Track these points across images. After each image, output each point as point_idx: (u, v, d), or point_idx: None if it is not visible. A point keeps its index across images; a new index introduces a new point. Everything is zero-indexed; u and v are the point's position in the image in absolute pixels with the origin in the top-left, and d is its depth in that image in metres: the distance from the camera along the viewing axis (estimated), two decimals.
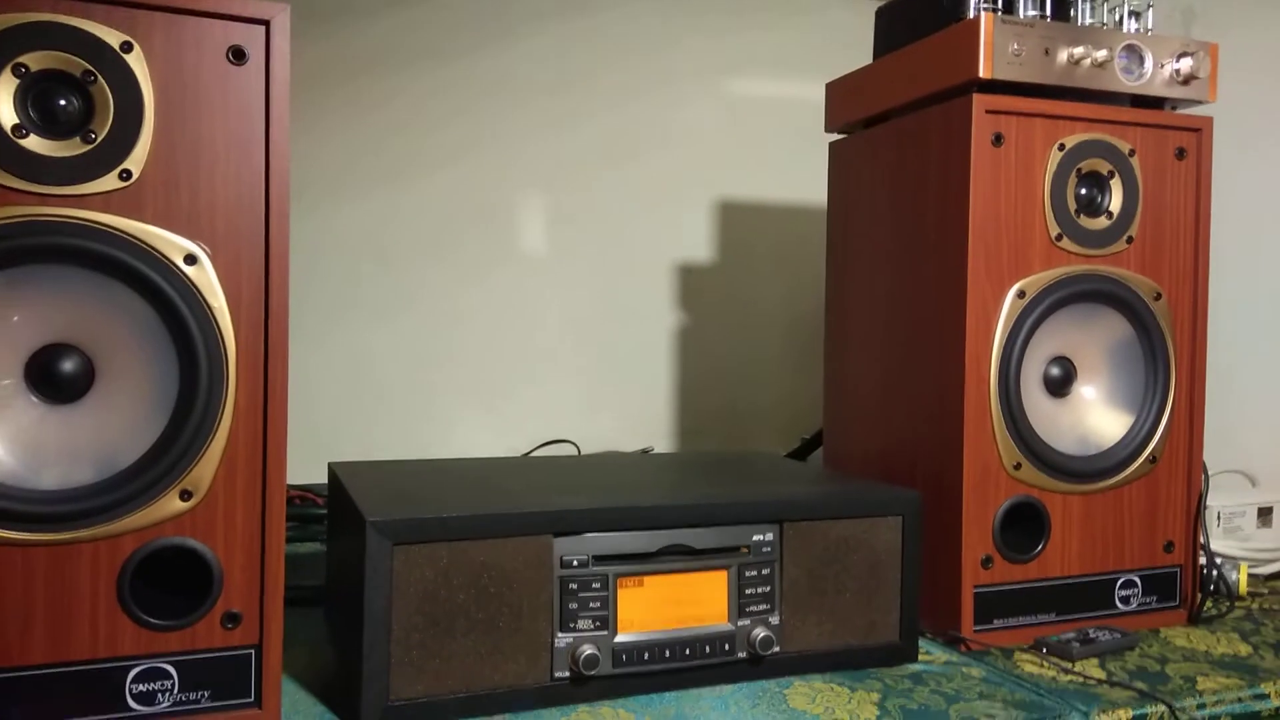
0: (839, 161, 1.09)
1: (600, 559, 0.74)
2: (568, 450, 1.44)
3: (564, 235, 1.48)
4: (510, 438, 1.45)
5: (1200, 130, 0.94)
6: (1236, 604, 1.01)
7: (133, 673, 0.64)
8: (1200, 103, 0.94)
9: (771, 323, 1.59)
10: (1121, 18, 0.92)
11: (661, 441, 1.53)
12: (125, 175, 0.63)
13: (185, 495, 0.64)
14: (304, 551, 1.13)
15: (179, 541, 0.64)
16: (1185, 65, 0.91)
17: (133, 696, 0.64)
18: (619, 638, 0.74)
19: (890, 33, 1.02)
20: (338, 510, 0.83)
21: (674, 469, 0.98)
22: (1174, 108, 0.95)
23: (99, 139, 0.62)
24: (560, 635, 0.72)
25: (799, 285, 1.57)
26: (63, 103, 0.62)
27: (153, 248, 0.63)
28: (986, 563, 0.88)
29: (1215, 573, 0.99)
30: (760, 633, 0.77)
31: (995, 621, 0.88)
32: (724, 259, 1.57)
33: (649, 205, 1.52)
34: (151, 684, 0.64)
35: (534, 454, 1.42)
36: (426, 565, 0.68)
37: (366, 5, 1.38)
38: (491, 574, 0.70)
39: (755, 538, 0.78)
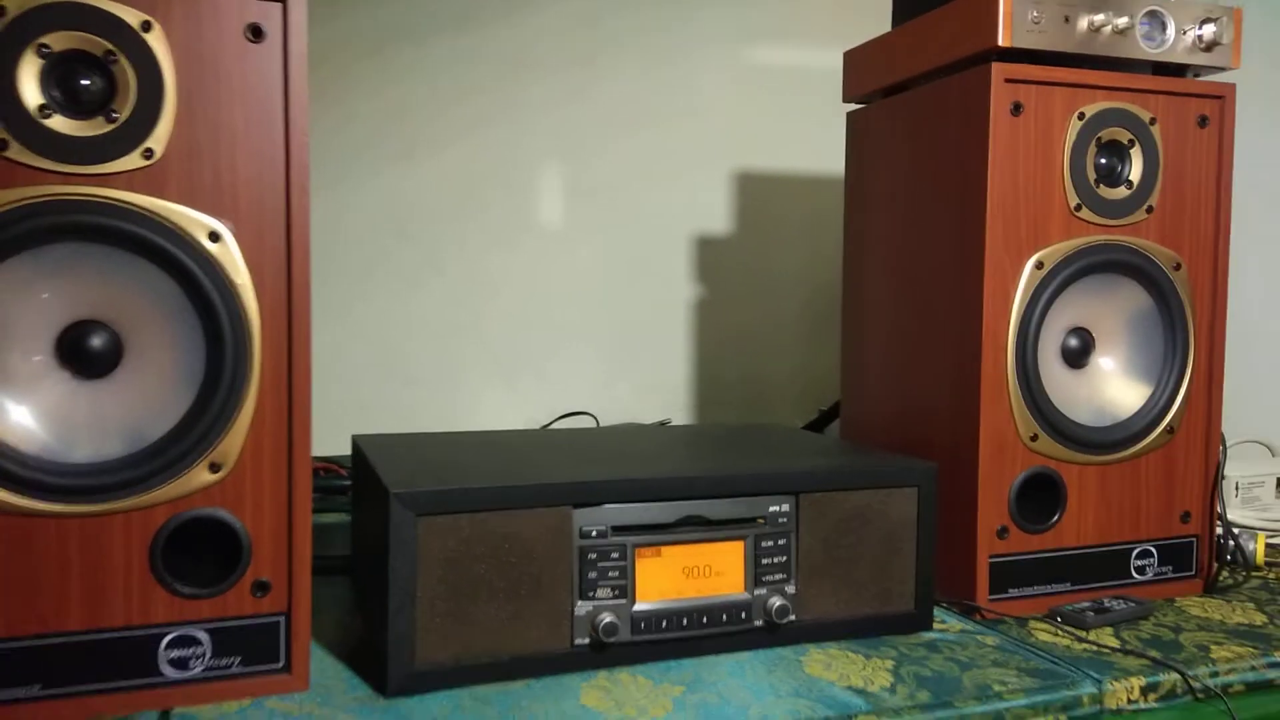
0: (856, 131, 1.08)
1: (619, 529, 0.75)
2: (587, 422, 1.46)
3: (582, 207, 1.49)
4: (530, 409, 1.46)
5: (1223, 97, 0.93)
6: (1253, 574, 1.01)
7: (166, 639, 0.66)
8: (1223, 69, 0.92)
9: (790, 294, 1.59)
10: None
11: (680, 413, 1.54)
12: (148, 154, 0.64)
13: (214, 467, 0.66)
14: (328, 522, 1.15)
15: (209, 512, 0.66)
16: (1208, 31, 0.90)
17: (166, 662, 0.66)
18: (637, 606, 0.75)
19: (909, 0, 1.01)
20: (362, 482, 0.85)
21: (691, 441, 0.99)
22: (1196, 75, 0.94)
23: (122, 118, 0.63)
24: (580, 604, 0.73)
25: (818, 256, 1.57)
26: (85, 82, 0.63)
27: (177, 225, 0.64)
28: (1002, 533, 0.88)
29: (1232, 543, 0.99)
30: (776, 601, 0.78)
31: (1010, 591, 0.89)
32: (742, 230, 1.57)
33: (667, 176, 1.52)
34: (184, 650, 0.66)
35: (553, 426, 1.44)
36: (449, 535, 0.70)
37: None
38: (512, 544, 0.71)
39: (771, 509, 0.79)
